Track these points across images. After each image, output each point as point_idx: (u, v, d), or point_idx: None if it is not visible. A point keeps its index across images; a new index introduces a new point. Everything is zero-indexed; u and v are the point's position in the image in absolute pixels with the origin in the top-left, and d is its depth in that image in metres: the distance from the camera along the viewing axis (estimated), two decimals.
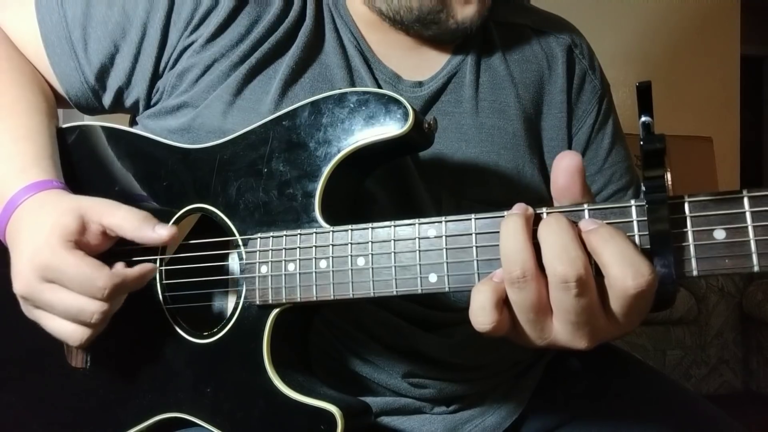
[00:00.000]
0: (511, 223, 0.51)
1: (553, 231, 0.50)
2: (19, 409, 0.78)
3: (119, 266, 0.66)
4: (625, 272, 0.47)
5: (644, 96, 0.48)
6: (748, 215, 0.47)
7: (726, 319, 3.03)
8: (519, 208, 0.53)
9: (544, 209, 0.53)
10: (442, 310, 0.80)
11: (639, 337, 2.85)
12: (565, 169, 0.53)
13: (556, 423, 0.84)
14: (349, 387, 0.74)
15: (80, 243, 0.65)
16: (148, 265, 0.67)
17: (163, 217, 0.72)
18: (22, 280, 0.65)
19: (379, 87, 0.79)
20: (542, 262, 0.50)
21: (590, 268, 0.49)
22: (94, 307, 0.64)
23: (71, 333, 0.66)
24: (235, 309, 0.67)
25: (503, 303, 0.52)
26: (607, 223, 0.50)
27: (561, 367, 0.89)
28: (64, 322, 0.65)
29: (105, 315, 0.65)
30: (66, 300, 0.64)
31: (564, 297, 0.49)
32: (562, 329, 0.52)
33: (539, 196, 0.82)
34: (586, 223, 0.51)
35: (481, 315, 0.52)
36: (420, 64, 0.82)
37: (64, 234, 0.64)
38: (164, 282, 0.71)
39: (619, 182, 0.90)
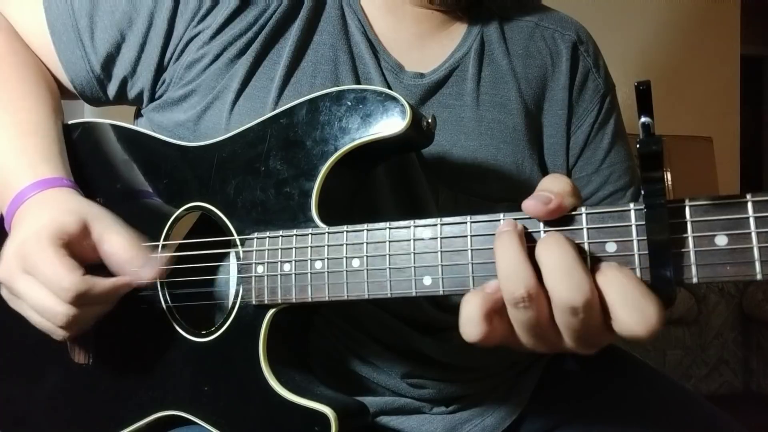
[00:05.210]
0: (506, 240, 0.50)
1: (553, 254, 0.48)
2: (20, 404, 0.79)
3: (96, 276, 0.64)
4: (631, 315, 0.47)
5: (644, 96, 0.47)
6: (751, 221, 0.46)
7: (726, 319, 3.02)
8: (509, 224, 0.51)
9: (541, 226, 0.52)
10: (439, 310, 0.79)
11: None
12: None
13: (555, 423, 0.84)
14: (348, 387, 0.74)
15: (71, 245, 0.65)
16: (122, 279, 0.66)
17: (163, 214, 0.72)
18: (4, 266, 0.65)
19: (383, 75, 0.79)
20: (542, 280, 0.49)
21: (596, 290, 0.48)
22: (60, 309, 0.63)
23: (47, 328, 0.65)
24: (232, 308, 0.66)
25: (493, 314, 0.51)
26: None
27: (560, 368, 0.89)
28: (39, 316, 0.65)
29: (72, 320, 0.63)
30: (36, 295, 0.63)
31: (571, 320, 0.49)
32: (568, 342, 0.51)
33: None
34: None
35: (469, 326, 0.51)
36: (423, 57, 0.82)
37: (57, 231, 0.64)
38: (164, 280, 0.71)
39: (617, 183, 0.89)
